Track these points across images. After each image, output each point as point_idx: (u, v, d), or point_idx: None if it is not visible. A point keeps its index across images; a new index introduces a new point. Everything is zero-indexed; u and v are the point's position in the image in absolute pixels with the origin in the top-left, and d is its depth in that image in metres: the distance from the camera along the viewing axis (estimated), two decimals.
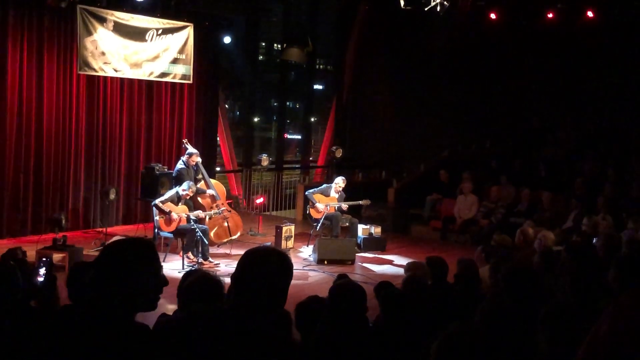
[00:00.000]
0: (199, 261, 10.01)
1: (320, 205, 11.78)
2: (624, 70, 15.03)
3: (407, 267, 6.09)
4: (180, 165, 11.19)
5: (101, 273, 2.56)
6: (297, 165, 19.54)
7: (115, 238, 11.17)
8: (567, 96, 16.12)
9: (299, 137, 20.45)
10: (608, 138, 14.84)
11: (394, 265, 11.09)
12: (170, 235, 10.33)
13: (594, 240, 8.00)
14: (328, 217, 11.68)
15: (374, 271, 10.53)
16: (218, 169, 16.16)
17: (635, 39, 14.72)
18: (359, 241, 11.84)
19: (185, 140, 12.03)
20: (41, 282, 4.20)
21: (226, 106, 17.40)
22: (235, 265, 2.75)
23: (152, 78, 13.12)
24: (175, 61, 13.38)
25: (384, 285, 5.28)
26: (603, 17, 14.75)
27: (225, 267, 9.96)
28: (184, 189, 10.29)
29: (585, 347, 2.08)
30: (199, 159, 11.32)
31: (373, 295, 5.31)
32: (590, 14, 14.82)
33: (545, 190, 12.47)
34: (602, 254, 6.93)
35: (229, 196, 12.98)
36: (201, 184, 11.32)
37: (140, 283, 2.53)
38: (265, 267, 2.67)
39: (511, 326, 3.66)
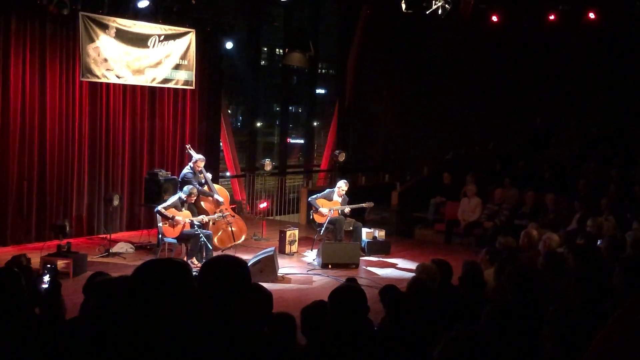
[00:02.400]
0: None
1: (324, 210, 11.77)
2: (626, 71, 15.01)
3: (417, 270, 6.06)
4: (187, 170, 11.26)
5: (134, 290, 2.55)
6: (300, 170, 19.54)
7: (120, 244, 11.21)
8: (570, 97, 16.10)
9: (302, 141, 20.42)
10: (612, 139, 14.81)
11: (398, 268, 11.08)
12: (174, 241, 10.34)
13: (599, 242, 7.98)
14: (332, 221, 11.67)
15: (378, 275, 10.52)
16: (227, 174, 16.19)
17: (637, 40, 14.71)
18: (363, 245, 11.83)
19: (188, 146, 12.04)
20: (45, 289, 4.20)
21: (229, 111, 17.41)
22: None
23: (154, 84, 13.14)
24: (177, 67, 13.39)
25: (389, 288, 5.27)
26: (605, 18, 14.75)
27: None
28: (185, 193, 10.33)
29: (593, 352, 2.07)
30: (203, 165, 11.37)
31: (377, 299, 5.30)
32: (591, 15, 14.82)
33: (549, 192, 12.45)
34: (607, 255, 6.92)
35: (232, 201, 12.99)
36: (205, 189, 11.35)
37: (172, 303, 2.53)
38: (219, 271, 2.72)
39: (516, 328, 3.65)
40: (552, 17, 15.23)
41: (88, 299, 4.17)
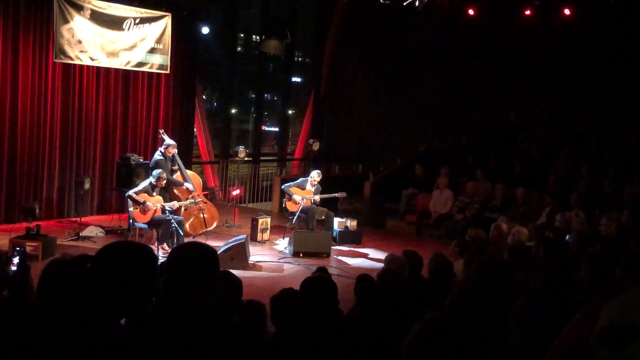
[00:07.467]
0: None
1: (297, 197, 11.80)
2: (599, 67, 15.16)
3: (386, 260, 6.09)
4: (157, 155, 11.17)
5: (97, 272, 2.53)
6: (274, 158, 19.51)
7: (90, 228, 11.12)
8: (543, 93, 16.24)
9: (277, 129, 20.40)
10: (583, 135, 14.97)
11: (369, 258, 11.13)
12: (145, 226, 10.29)
13: (567, 237, 8.09)
14: (304, 210, 11.70)
15: (349, 264, 10.56)
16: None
17: (610, 37, 14.86)
18: (334, 234, 11.86)
19: (161, 131, 11.97)
20: (14, 271, 4.16)
21: (203, 97, 17.31)
22: None
23: (129, 67, 13.02)
24: (152, 51, 13.29)
25: (363, 278, 5.28)
26: (580, 15, 14.87)
27: None
28: (154, 177, 10.27)
29: (559, 345, 2.10)
30: (176, 150, 11.30)
31: (348, 289, 5.33)
32: (566, 11, 14.95)
33: (519, 186, 12.58)
34: (575, 249, 7.01)
35: (205, 188, 12.94)
36: (177, 176, 11.29)
37: (136, 286, 2.51)
38: (186, 258, 2.71)
39: (480, 319, 3.68)
40: (527, 13, 15.34)
41: (46, 278, 4.14)
